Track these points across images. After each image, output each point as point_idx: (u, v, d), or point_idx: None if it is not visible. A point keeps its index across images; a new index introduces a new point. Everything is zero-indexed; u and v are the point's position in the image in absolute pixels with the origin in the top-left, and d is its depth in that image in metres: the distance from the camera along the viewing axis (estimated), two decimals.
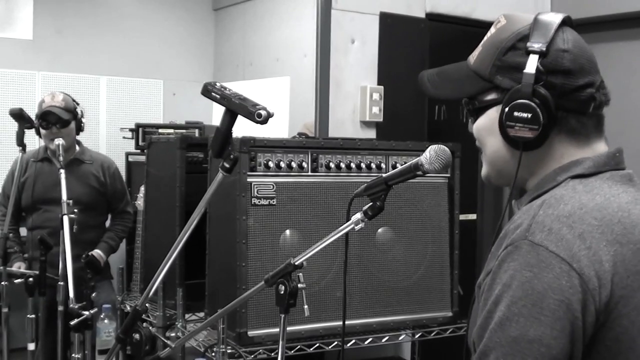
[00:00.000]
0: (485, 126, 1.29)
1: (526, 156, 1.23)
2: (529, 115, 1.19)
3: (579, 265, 1.08)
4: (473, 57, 1.31)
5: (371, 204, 1.68)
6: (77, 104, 3.81)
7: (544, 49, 1.19)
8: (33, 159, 3.80)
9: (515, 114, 1.20)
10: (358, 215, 1.69)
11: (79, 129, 3.80)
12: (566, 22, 1.25)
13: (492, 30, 1.29)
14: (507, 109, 1.21)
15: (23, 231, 3.95)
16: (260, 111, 1.60)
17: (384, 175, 1.68)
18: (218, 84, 1.68)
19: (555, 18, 1.23)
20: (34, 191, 3.75)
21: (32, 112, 3.52)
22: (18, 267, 3.66)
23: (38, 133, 3.65)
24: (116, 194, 3.94)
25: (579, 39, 1.25)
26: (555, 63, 1.20)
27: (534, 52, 1.20)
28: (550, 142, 1.22)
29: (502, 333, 1.09)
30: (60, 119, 3.63)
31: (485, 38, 1.30)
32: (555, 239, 1.10)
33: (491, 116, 1.26)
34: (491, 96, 1.27)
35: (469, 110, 1.33)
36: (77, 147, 3.88)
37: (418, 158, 1.63)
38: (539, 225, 1.12)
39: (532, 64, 1.19)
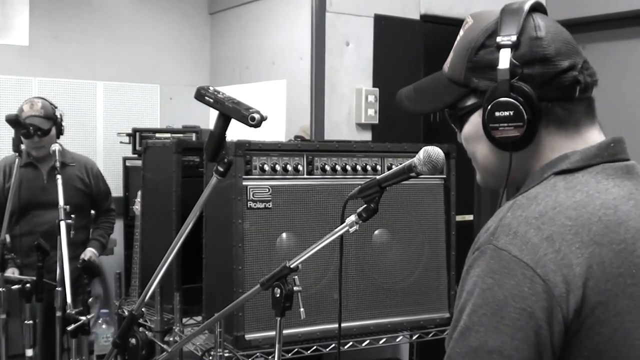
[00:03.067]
0: (471, 133, 1.22)
1: (517, 156, 1.16)
2: (511, 113, 1.12)
3: (543, 271, 1.01)
4: (447, 65, 1.26)
5: (365, 206, 1.68)
6: (55, 107, 3.81)
7: (515, 40, 1.13)
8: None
9: (497, 114, 1.14)
10: (352, 218, 1.69)
11: (59, 132, 3.81)
12: (536, 9, 1.19)
13: (461, 32, 1.24)
14: (487, 111, 1.15)
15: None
16: (254, 114, 1.60)
17: (377, 177, 1.68)
18: (211, 88, 1.69)
19: (523, 5, 1.17)
20: (19, 196, 3.75)
21: None
22: (12, 272, 3.66)
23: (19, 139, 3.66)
24: (100, 194, 4.00)
25: (553, 22, 1.18)
26: (530, 52, 1.13)
27: (505, 46, 1.13)
28: (539, 136, 1.16)
29: (462, 343, 1.04)
30: (40, 129, 3.63)
31: (456, 43, 1.24)
32: (520, 243, 1.03)
33: (475, 122, 1.20)
34: (471, 101, 1.20)
35: (452, 122, 1.27)
36: None
37: (411, 160, 1.63)
38: (505, 228, 1.06)
39: (504, 59, 1.13)
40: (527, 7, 1.17)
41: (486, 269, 1.04)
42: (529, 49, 1.14)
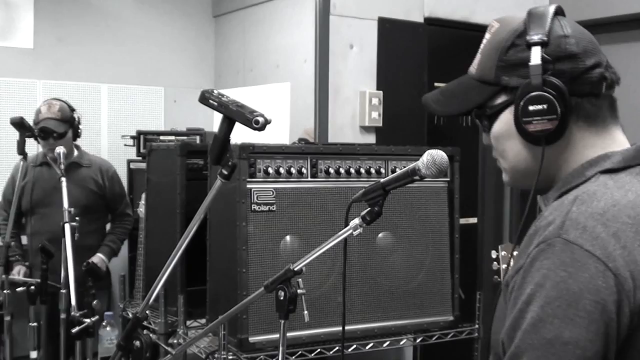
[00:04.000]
0: (502, 131, 1.26)
1: (548, 151, 1.20)
2: (545, 106, 1.17)
3: (614, 265, 1.05)
4: (474, 67, 1.30)
5: (369, 209, 1.68)
6: (73, 109, 3.82)
7: (545, 38, 1.19)
8: (32, 163, 3.83)
9: (531, 108, 1.18)
10: (356, 221, 1.70)
11: (76, 135, 3.82)
12: (559, 12, 1.25)
13: (487, 36, 1.29)
14: (521, 105, 1.19)
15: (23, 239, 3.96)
16: (258, 118, 1.61)
17: (381, 180, 1.68)
18: (215, 91, 1.69)
19: (548, 8, 1.23)
20: (32, 195, 3.77)
21: (33, 121, 3.54)
22: (18, 271, 3.68)
23: (37, 139, 3.68)
24: (115, 196, 3.97)
25: (576, 24, 1.24)
26: (559, 49, 1.19)
27: (535, 44, 1.19)
28: (570, 132, 1.20)
29: (535, 335, 1.06)
30: (55, 133, 3.65)
31: (482, 45, 1.29)
32: (590, 238, 1.07)
33: (505, 119, 1.25)
34: (501, 99, 1.25)
35: (481, 122, 1.30)
36: (76, 151, 3.90)
37: (415, 163, 1.63)
38: (573, 223, 1.09)
39: (536, 56, 1.18)
40: (552, 9, 1.23)
41: (557, 262, 1.07)
42: (558, 46, 1.19)
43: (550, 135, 1.19)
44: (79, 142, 3.95)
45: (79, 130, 3.83)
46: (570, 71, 1.18)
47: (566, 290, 1.05)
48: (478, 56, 1.29)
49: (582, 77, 1.19)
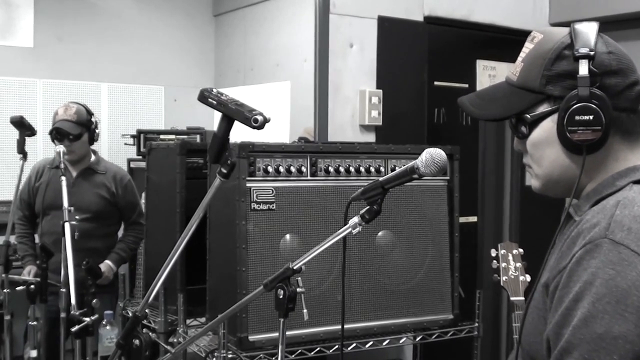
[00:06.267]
0: (541, 138, 1.29)
1: (586, 160, 1.25)
2: (591, 117, 1.21)
3: None
4: (515, 75, 1.33)
5: (368, 207, 1.68)
6: (91, 114, 3.83)
7: (592, 52, 1.23)
8: (49, 165, 3.84)
9: (577, 117, 1.22)
10: (355, 219, 1.69)
11: (92, 139, 3.83)
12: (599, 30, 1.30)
13: (530, 45, 1.32)
14: (567, 115, 1.23)
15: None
16: (257, 116, 1.60)
17: (380, 179, 1.68)
18: (215, 90, 1.69)
19: (592, 25, 1.27)
20: (45, 197, 3.78)
21: (33, 120, 3.54)
22: (28, 271, 3.70)
23: (53, 141, 3.70)
24: (127, 205, 3.94)
25: (614, 42, 1.29)
26: (604, 65, 1.24)
27: (583, 57, 1.23)
28: (608, 144, 1.25)
29: (586, 330, 1.10)
30: (70, 135, 3.66)
31: (524, 54, 1.32)
32: (636, 238, 1.13)
33: (546, 127, 1.28)
34: (543, 107, 1.28)
35: (517, 128, 1.33)
36: (93, 157, 3.90)
37: (414, 161, 1.63)
38: (618, 225, 1.15)
39: (584, 68, 1.22)
40: (596, 27, 1.28)
41: (605, 261, 1.13)
42: (602, 61, 1.24)
43: (592, 146, 1.23)
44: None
45: (96, 135, 3.83)
46: (614, 86, 1.23)
47: (615, 288, 1.10)
48: (520, 63, 1.33)
49: (624, 92, 1.24)
